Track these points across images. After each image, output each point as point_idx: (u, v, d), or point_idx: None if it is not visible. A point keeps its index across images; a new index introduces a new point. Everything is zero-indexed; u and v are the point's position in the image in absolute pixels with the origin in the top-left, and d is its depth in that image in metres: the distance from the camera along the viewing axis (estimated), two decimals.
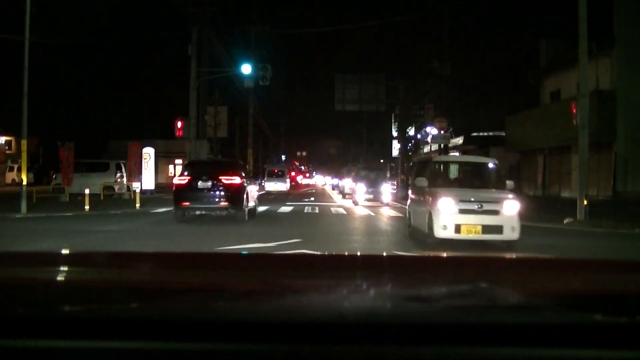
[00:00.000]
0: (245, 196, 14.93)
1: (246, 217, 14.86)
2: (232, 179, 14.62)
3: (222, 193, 14.46)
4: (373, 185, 23.74)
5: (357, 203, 23.02)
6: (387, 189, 23.87)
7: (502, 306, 1.11)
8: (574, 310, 1.11)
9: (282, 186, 37.11)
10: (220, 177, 14.54)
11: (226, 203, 14.49)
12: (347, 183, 30.41)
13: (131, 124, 47.08)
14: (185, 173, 15.13)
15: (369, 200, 23.58)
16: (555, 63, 26.04)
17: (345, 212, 19.69)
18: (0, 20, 22.31)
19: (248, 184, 15.72)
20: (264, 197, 25.41)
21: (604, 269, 1.92)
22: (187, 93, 24.20)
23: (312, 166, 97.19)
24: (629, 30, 20.28)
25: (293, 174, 57.24)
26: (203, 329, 1.02)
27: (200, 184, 14.47)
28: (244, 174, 15.78)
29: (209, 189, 14.47)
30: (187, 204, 14.46)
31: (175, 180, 15.66)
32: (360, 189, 23.63)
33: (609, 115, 19.97)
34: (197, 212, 15.05)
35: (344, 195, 30.62)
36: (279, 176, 38.22)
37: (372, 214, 18.88)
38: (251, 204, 15.90)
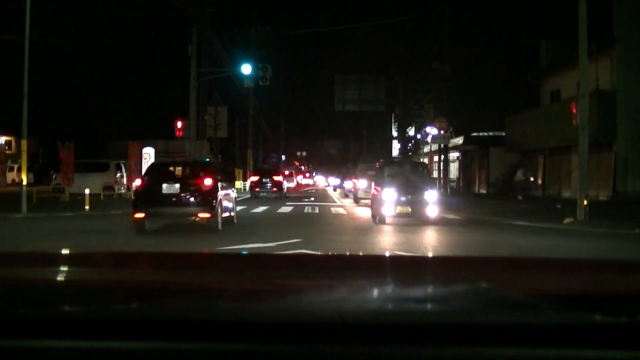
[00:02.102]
0: (283, 186, 30.16)
1: (284, 197, 28.14)
2: (278, 178, 29.57)
3: (273, 185, 28.62)
4: (409, 190, 14.39)
5: (384, 219, 14.34)
6: (434, 197, 14.42)
7: (502, 306, 1.11)
8: (574, 310, 1.11)
9: (290, 183, 51.15)
10: (272, 176, 29.29)
11: (275, 189, 28.51)
12: (361, 184, 23.49)
13: (131, 124, 46.99)
14: (255, 174, 30.74)
15: (403, 215, 14.27)
16: (555, 63, 26.04)
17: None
18: (0, 20, 22.33)
19: (284, 181, 31.56)
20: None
21: (604, 269, 1.92)
22: (187, 93, 24.23)
23: (312, 166, 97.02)
24: (629, 30, 20.28)
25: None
26: (203, 329, 1.02)
27: (263, 180, 28.76)
28: (283, 176, 31.78)
29: (267, 182, 28.65)
30: (258, 190, 28.26)
31: (251, 178, 30.62)
32: (389, 197, 14.15)
33: (609, 115, 19.96)
34: (261, 194, 27.78)
35: (356, 200, 24.13)
36: (288, 176, 51.30)
37: None
38: (285, 190, 30.76)
